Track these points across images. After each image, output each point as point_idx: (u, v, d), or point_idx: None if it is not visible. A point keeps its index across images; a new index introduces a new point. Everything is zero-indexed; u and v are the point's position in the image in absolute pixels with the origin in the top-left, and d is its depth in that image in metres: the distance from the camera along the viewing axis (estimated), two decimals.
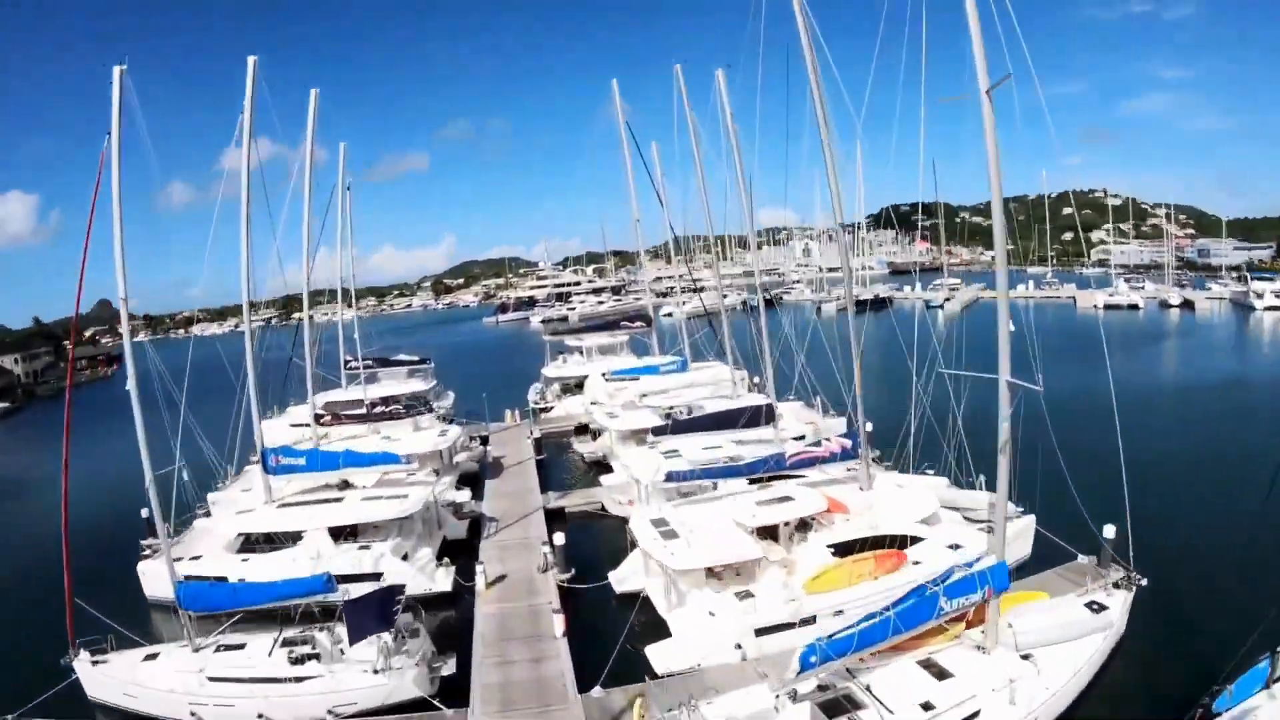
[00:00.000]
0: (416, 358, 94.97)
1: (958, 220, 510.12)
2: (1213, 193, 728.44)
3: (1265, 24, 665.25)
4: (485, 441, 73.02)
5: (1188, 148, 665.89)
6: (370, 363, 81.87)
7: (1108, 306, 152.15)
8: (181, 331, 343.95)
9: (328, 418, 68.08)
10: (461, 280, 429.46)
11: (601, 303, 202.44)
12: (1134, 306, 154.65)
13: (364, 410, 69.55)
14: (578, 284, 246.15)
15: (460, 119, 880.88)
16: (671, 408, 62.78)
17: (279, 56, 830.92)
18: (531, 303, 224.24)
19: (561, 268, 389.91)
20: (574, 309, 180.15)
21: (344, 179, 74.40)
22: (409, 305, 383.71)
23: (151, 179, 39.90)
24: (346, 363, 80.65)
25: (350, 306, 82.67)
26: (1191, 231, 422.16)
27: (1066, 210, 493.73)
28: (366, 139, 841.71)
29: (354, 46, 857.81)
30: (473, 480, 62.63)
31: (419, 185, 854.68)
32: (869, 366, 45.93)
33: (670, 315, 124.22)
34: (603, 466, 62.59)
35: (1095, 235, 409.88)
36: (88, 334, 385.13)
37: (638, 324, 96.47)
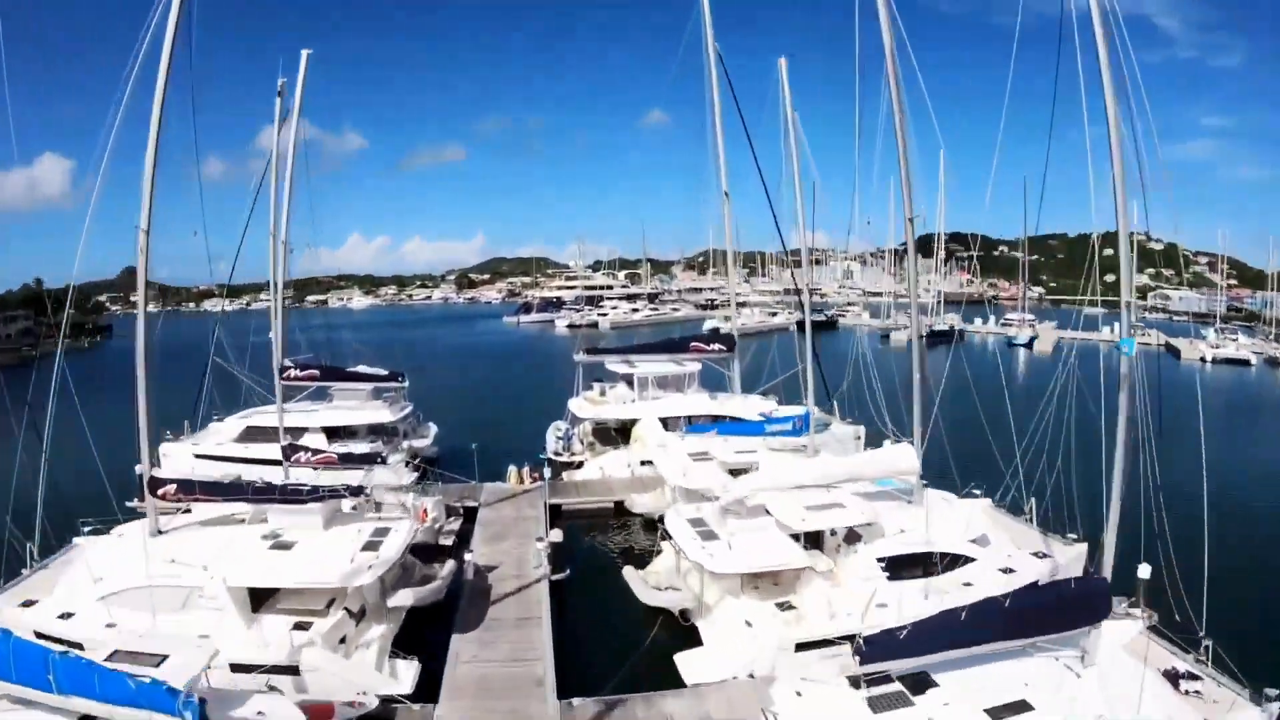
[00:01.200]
0: (383, 371, 64.57)
1: (996, 254, 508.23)
2: (1250, 244, 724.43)
3: None
4: (470, 516, 48.61)
5: (1227, 197, 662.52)
6: (316, 372, 59.51)
7: (1218, 360, 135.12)
8: (193, 305, 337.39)
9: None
10: (488, 276, 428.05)
11: (636, 310, 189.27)
12: (1244, 362, 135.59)
13: (280, 450, 47.14)
14: (609, 288, 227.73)
15: (499, 113, 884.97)
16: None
17: (318, 42, 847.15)
18: (558, 304, 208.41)
19: (593, 271, 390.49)
20: (605, 314, 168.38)
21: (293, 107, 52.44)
22: (429, 298, 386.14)
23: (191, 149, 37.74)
24: (284, 370, 52.60)
25: (284, 295, 57.01)
26: (1233, 281, 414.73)
27: (1108, 252, 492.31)
28: (403, 126, 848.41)
29: (393, 32, 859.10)
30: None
31: (453, 178, 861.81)
32: (959, 400, 43.44)
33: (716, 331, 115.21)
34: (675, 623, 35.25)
35: (1139, 280, 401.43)
36: (97, 299, 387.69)
37: (714, 347, 67.74)
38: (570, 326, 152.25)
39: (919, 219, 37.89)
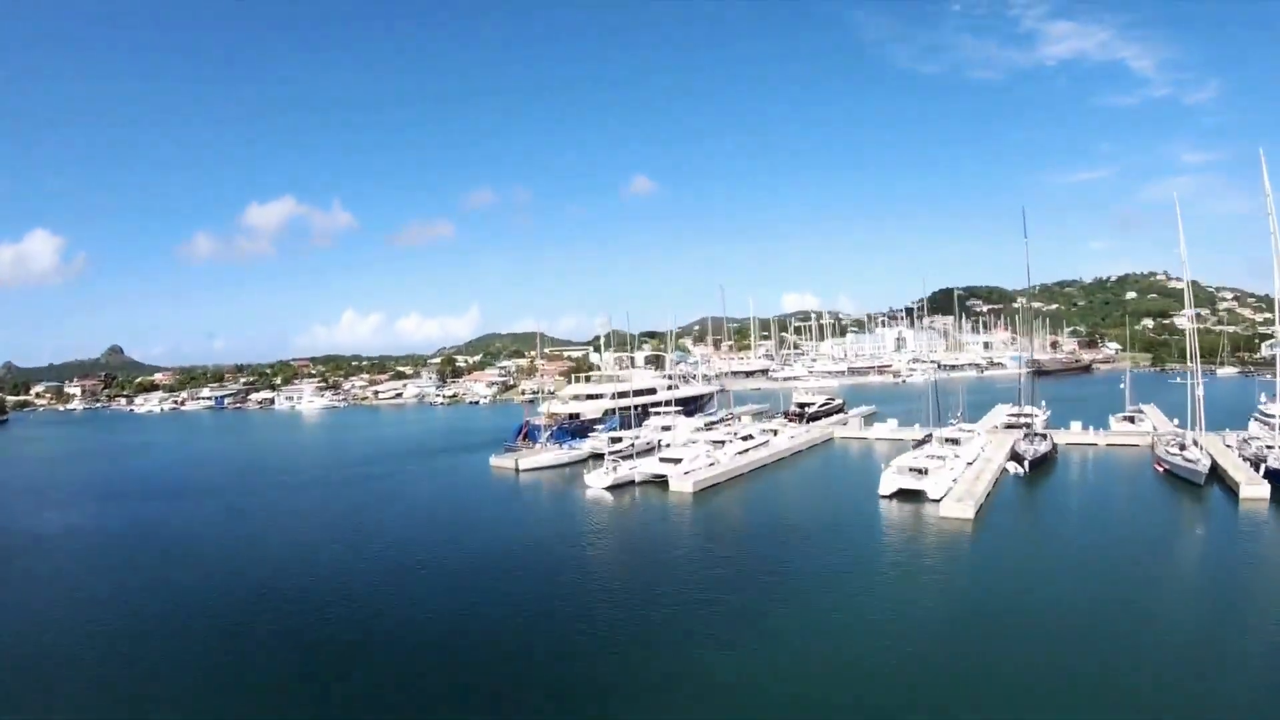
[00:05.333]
0: None
1: (1015, 305, 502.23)
2: (1240, 278, 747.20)
3: None
4: None
5: (1212, 232, 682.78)
6: None
7: None
8: (123, 402, 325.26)
9: None
10: (478, 356, 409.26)
11: (717, 438, 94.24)
12: None
13: None
14: (652, 391, 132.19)
15: (484, 187, 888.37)
16: None
17: (302, 114, 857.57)
18: (580, 431, 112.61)
19: (593, 349, 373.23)
20: (675, 458, 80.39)
21: None
22: (399, 395, 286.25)
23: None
24: None
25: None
26: (1269, 315, 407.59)
27: (1130, 295, 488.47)
28: (390, 202, 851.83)
29: (379, 106, 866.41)
30: None
31: (443, 254, 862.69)
32: None
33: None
34: None
35: (1178, 321, 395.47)
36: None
37: None
38: (613, 489, 77.11)
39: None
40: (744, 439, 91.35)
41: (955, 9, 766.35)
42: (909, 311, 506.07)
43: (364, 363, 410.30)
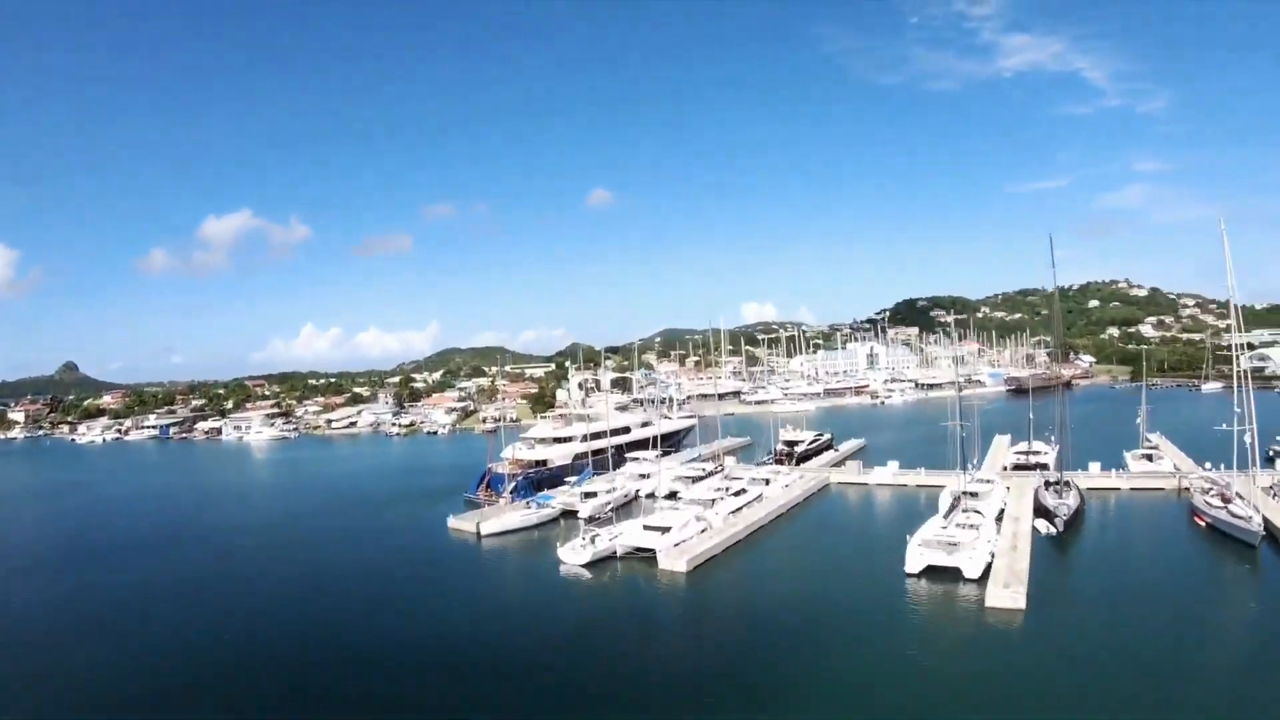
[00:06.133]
0: None
1: (979, 315, 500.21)
2: (1195, 282, 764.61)
3: (1234, 114, 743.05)
4: None
5: (1166, 237, 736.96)
6: None
7: None
8: (66, 430, 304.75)
9: None
10: (440, 373, 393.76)
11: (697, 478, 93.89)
12: None
13: None
14: (626, 430, 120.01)
15: (443, 200, 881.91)
16: None
17: (259, 126, 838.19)
18: (549, 481, 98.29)
19: (554, 365, 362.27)
20: (668, 531, 67.55)
21: None
22: (353, 424, 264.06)
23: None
24: None
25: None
26: (1232, 323, 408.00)
27: (1093, 303, 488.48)
28: (348, 215, 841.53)
29: (337, 118, 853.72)
30: None
31: (403, 267, 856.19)
32: None
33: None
34: None
35: (1144, 329, 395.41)
36: None
37: None
38: (591, 565, 65.61)
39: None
40: (735, 494, 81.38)
41: (913, 21, 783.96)
42: (874, 323, 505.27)
43: (321, 381, 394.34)
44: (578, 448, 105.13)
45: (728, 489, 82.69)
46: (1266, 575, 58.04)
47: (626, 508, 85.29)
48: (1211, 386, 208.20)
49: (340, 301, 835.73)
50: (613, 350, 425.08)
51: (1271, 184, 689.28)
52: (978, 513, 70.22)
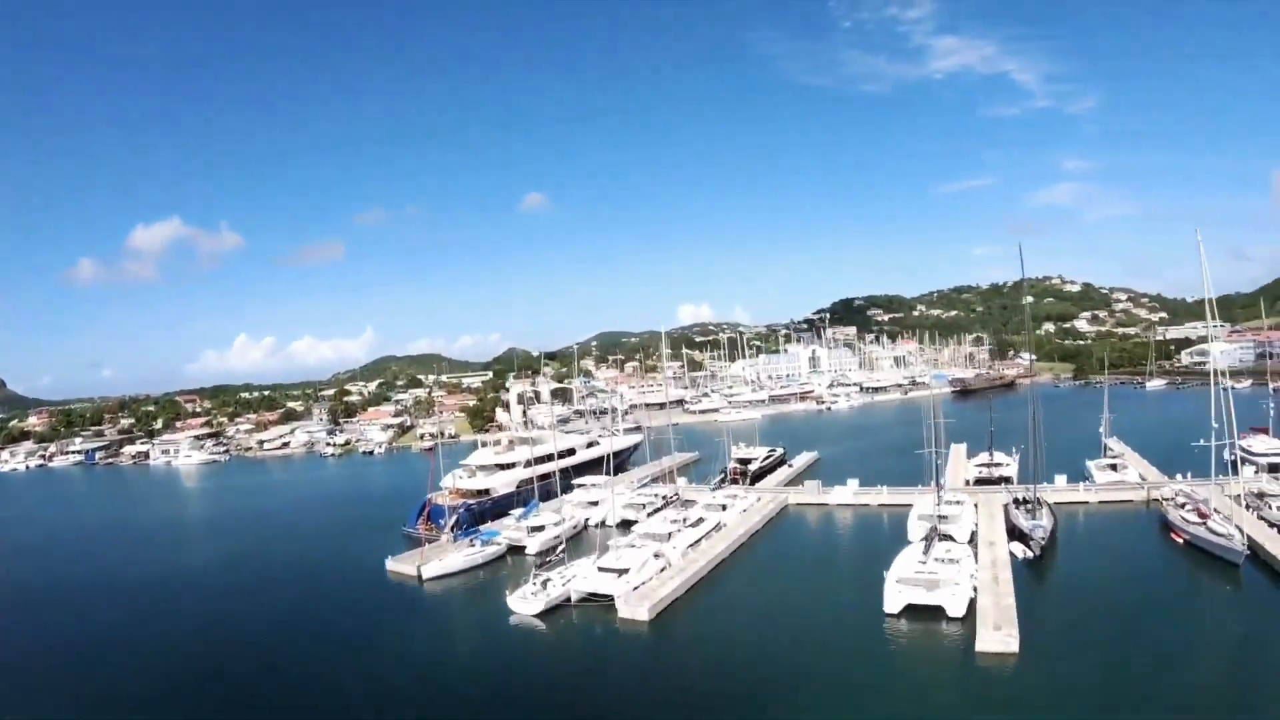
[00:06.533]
0: None
1: (915, 313, 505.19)
2: (1123, 277, 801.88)
3: (1160, 114, 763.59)
4: None
5: (1095, 234, 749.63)
6: None
7: None
8: None
9: None
10: (376, 384, 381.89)
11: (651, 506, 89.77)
12: None
13: None
14: (571, 451, 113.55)
15: (375, 206, 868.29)
16: None
17: (187, 131, 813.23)
18: (493, 512, 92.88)
19: (491, 374, 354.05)
20: (626, 572, 63.11)
21: None
22: (286, 443, 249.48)
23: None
24: None
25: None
26: (1164, 316, 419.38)
27: (1027, 300, 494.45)
28: (281, 221, 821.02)
29: (265, 123, 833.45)
30: None
31: (336, 274, 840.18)
32: None
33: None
34: None
35: (1079, 325, 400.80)
36: None
37: None
38: (544, 614, 60.91)
39: None
40: (693, 525, 76.67)
41: (846, 25, 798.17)
42: (811, 323, 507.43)
43: (255, 395, 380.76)
44: (521, 474, 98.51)
45: (685, 519, 77.71)
46: (1257, 598, 55.87)
47: (577, 539, 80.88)
48: (1156, 384, 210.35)
49: (273, 310, 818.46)
50: (550, 356, 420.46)
51: (1194, 181, 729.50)
52: (950, 538, 67.12)
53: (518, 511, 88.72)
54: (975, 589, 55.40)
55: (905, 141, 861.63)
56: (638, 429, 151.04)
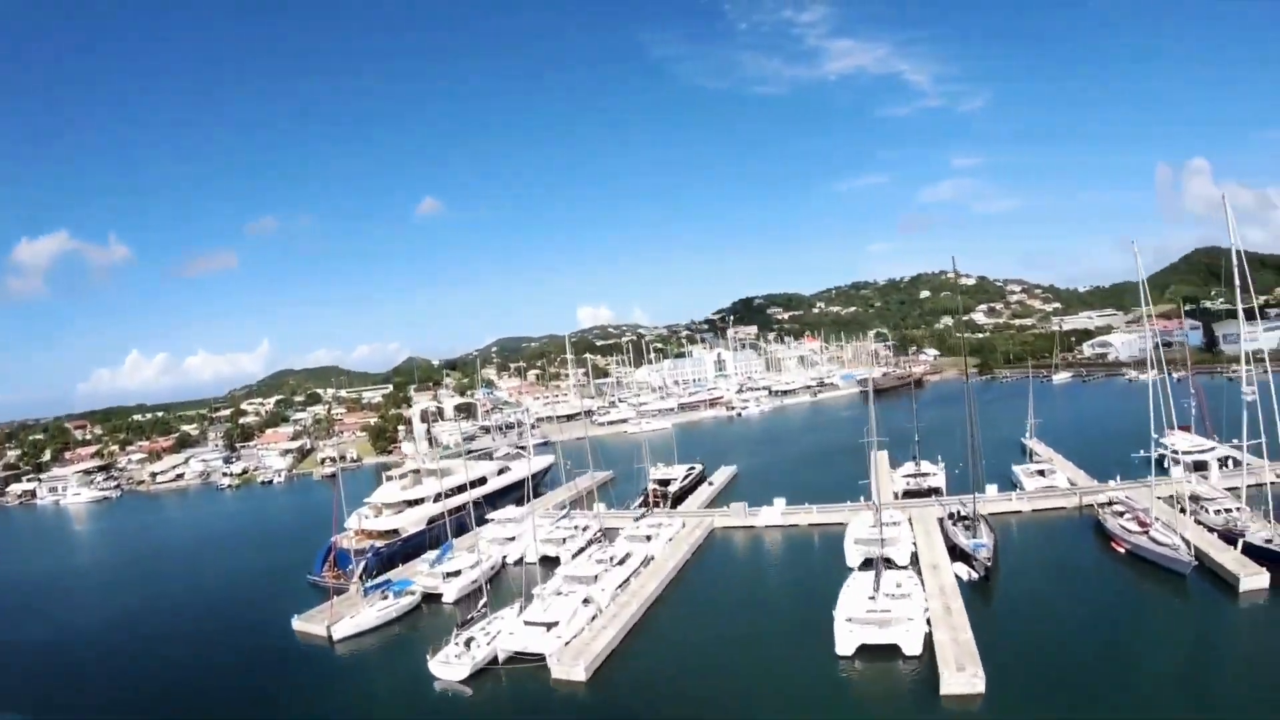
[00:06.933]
0: None
1: (815, 310, 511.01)
2: (1016, 269, 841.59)
3: (1047, 112, 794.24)
4: None
5: (986, 228, 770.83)
6: None
7: None
8: None
9: None
10: (274, 401, 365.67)
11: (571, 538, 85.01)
12: None
13: None
14: (482, 480, 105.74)
15: (266, 214, 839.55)
16: None
17: (70, 139, 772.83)
18: (404, 555, 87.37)
19: (392, 386, 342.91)
20: (555, 626, 58.27)
21: None
22: (180, 474, 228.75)
23: None
24: None
25: None
26: (1058, 306, 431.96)
27: (924, 294, 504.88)
28: (171, 232, 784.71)
29: (149, 130, 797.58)
30: None
31: (229, 284, 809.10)
32: None
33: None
34: None
35: (977, 317, 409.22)
36: None
37: None
38: (470, 679, 56.36)
39: None
40: (620, 563, 72.05)
41: (742, 28, 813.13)
42: (711, 323, 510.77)
43: (148, 417, 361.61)
44: (431, 510, 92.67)
45: (611, 558, 73.30)
46: (1210, 612, 55.42)
47: (497, 581, 75.74)
48: (1063, 377, 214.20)
49: (165, 325, 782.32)
50: (451, 365, 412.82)
51: (1080, 176, 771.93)
52: (891, 562, 64.61)
53: (431, 555, 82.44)
54: (929, 622, 52.89)
55: (801, 141, 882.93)
56: (547, 445, 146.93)
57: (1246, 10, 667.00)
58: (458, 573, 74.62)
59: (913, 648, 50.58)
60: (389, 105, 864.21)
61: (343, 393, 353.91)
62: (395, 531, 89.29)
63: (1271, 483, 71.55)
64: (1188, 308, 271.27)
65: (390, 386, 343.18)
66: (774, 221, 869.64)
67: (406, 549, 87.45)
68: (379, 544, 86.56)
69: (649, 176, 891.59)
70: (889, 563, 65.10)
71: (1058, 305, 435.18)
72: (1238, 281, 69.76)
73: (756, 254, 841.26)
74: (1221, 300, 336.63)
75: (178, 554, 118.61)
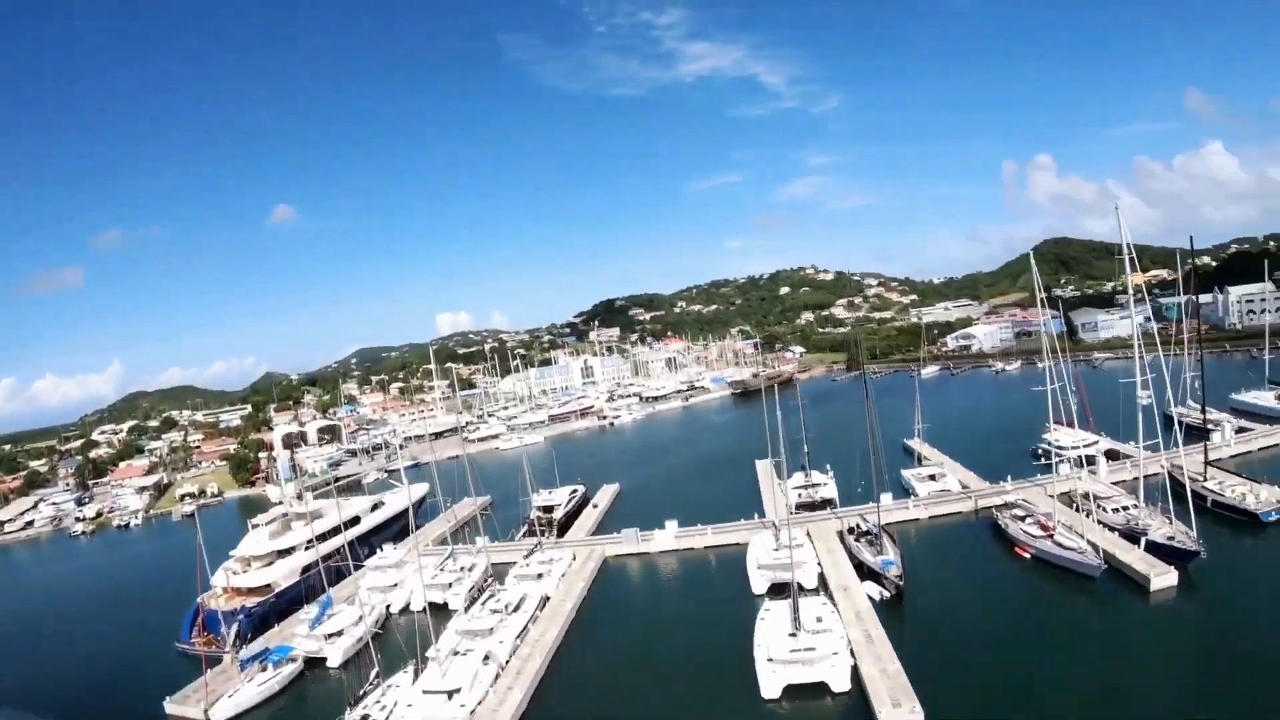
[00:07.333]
0: None
1: (676, 310, 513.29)
2: (872, 262, 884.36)
3: (898, 112, 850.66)
4: None
5: (841, 224, 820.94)
6: None
7: None
8: None
9: None
10: (128, 427, 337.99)
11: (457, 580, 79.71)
12: None
13: None
14: (356, 520, 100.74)
15: (112, 227, 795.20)
16: None
17: None
18: (279, 612, 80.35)
19: (250, 407, 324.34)
20: (457, 694, 55.01)
21: None
22: (30, 522, 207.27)
23: None
24: None
25: None
26: (915, 298, 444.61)
27: (784, 290, 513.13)
28: (8, 249, 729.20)
29: None
30: None
31: (76, 302, 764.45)
32: None
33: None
34: None
35: (837, 312, 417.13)
36: None
37: None
38: None
39: None
40: (516, 609, 66.92)
41: (600, 30, 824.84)
42: (573, 327, 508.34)
43: None
44: (303, 559, 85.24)
45: (506, 605, 67.74)
46: (1124, 612, 56.15)
47: (383, 636, 69.09)
48: (930, 370, 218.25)
49: (9, 348, 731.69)
50: (310, 381, 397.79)
51: (930, 172, 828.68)
52: (799, 586, 62.25)
53: (308, 611, 74.50)
54: (853, 653, 50.75)
55: (659, 142, 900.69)
56: (417, 467, 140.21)
57: (1087, 16, 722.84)
58: (340, 632, 67.85)
59: (841, 683, 48.60)
60: (238, 109, 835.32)
61: (199, 416, 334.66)
62: (268, 587, 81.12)
63: (1155, 474, 73.20)
64: (1042, 295, 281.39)
65: (249, 407, 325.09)
66: (633, 222, 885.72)
67: (281, 605, 79.61)
68: (250, 604, 78.41)
69: (505, 179, 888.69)
70: (799, 587, 62.61)
71: (915, 297, 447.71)
72: (1128, 270, 70.60)
73: (616, 255, 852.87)
74: (1072, 288, 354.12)
75: (28, 626, 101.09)
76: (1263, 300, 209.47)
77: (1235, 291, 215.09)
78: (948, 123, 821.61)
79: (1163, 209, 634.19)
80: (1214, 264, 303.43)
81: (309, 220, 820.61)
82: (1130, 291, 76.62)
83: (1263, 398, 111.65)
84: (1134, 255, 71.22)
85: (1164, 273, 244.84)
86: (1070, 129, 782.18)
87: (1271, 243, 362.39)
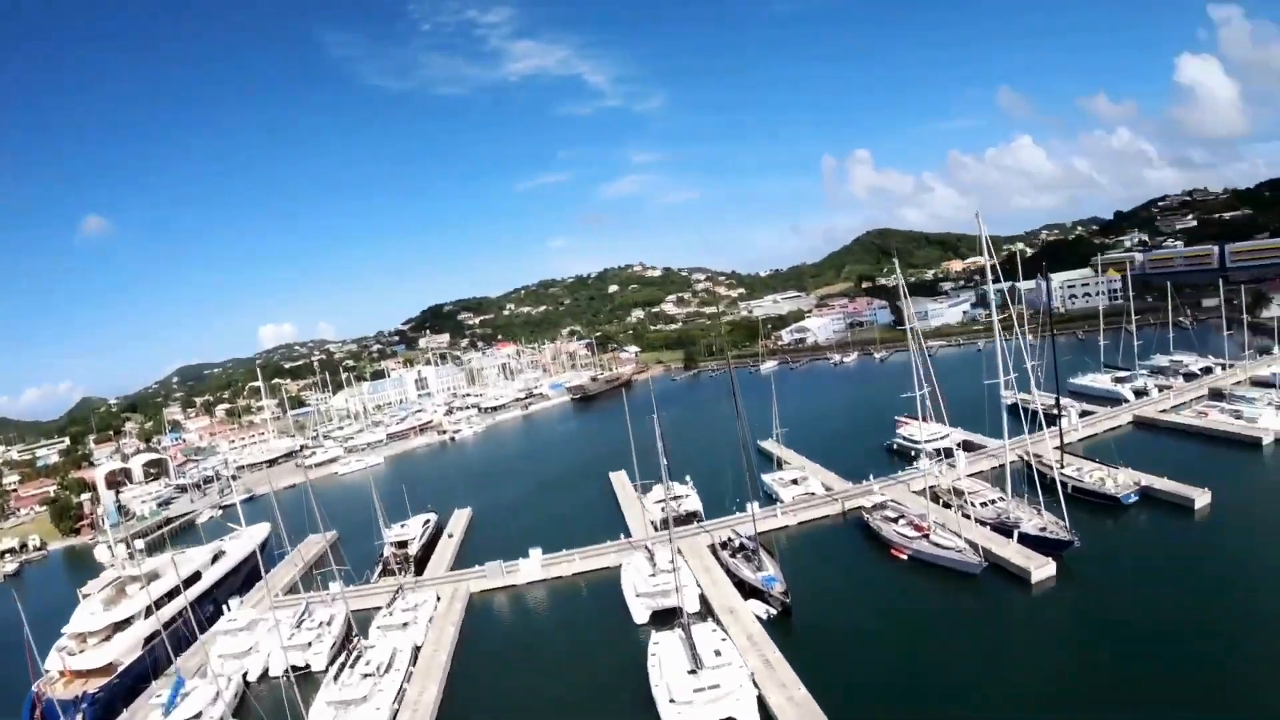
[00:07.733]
0: None
1: (505, 312, 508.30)
2: (698, 257, 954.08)
3: (719, 111, 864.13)
4: None
5: (666, 220, 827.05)
6: None
7: None
8: None
9: None
10: None
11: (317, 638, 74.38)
12: None
13: None
14: (197, 576, 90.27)
15: None
16: None
17: None
18: (125, 694, 71.08)
19: (69, 440, 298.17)
20: None
21: None
22: None
23: None
24: None
25: None
26: (743, 291, 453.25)
27: (613, 288, 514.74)
28: None
29: None
30: None
31: None
32: None
33: None
34: None
35: (667, 308, 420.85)
36: None
37: None
38: None
39: None
40: (387, 669, 61.69)
41: (425, 28, 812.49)
42: (402, 335, 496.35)
43: None
44: (144, 629, 75.39)
45: (378, 667, 61.66)
46: (1008, 607, 58.19)
47: (243, 711, 62.63)
48: (770, 365, 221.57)
49: None
50: (131, 406, 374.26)
51: (749, 168, 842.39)
52: (681, 612, 60.32)
53: (160, 696, 66.36)
54: (755, 683, 49.39)
55: (483, 142, 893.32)
56: (253, 499, 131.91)
57: (898, 15, 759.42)
58: (199, 715, 60.38)
59: (749, 717, 47.04)
60: (38, 110, 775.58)
61: (14, 453, 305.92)
62: (110, 666, 70.67)
63: (1013, 463, 75.29)
64: (865, 285, 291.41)
65: (66, 439, 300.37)
66: (457, 224, 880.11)
67: (127, 685, 70.28)
68: (92, 689, 68.91)
69: (328, 182, 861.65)
70: (680, 613, 60.65)
71: (742, 290, 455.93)
72: (986, 261, 72.20)
73: (442, 259, 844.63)
74: (894, 276, 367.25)
75: None
76: (1084, 285, 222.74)
77: (1058, 277, 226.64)
78: (767, 120, 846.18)
79: (975, 198, 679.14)
80: (1029, 250, 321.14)
81: (122, 231, 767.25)
82: (990, 283, 78.69)
83: (1099, 380, 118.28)
84: (995, 258, 73.65)
85: (982, 259, 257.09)
86: (887, 125, 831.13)
87: (1079, 229, 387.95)
